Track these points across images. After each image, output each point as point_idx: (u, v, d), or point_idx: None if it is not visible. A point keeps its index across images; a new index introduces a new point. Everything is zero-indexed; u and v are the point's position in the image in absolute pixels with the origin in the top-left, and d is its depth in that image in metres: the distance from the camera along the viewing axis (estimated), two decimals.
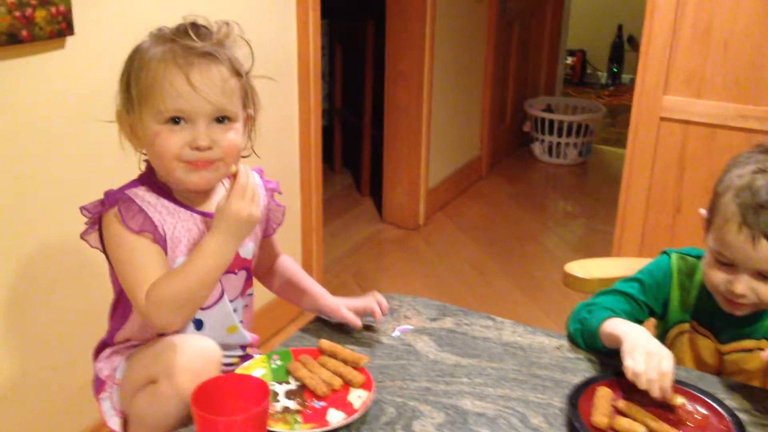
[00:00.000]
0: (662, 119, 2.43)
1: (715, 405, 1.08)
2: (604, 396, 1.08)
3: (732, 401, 1.12)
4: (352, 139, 4.02)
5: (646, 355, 1.09)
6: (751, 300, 1.18)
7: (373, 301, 1.30)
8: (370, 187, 3.86)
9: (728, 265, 1.17)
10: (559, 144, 4.48)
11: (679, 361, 1.26)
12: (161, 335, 1.19)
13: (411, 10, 3.31)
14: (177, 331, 1.18)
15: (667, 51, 2.36)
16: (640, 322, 1.28)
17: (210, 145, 1.12)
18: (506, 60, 4.32)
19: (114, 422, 1.25)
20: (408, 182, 3.54)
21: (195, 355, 1.12)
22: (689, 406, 1.09)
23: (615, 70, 6.10)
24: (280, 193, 1.33)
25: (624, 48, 6.05)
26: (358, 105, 3.84)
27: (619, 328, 1.18)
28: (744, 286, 1.16)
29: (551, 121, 4.42)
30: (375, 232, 3.54)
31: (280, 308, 2.53)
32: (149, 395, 1.14)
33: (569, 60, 6.00)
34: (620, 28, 5.98)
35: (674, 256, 1.33)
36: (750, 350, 1.26)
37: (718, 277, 1.19)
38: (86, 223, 1.17)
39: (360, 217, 3.69)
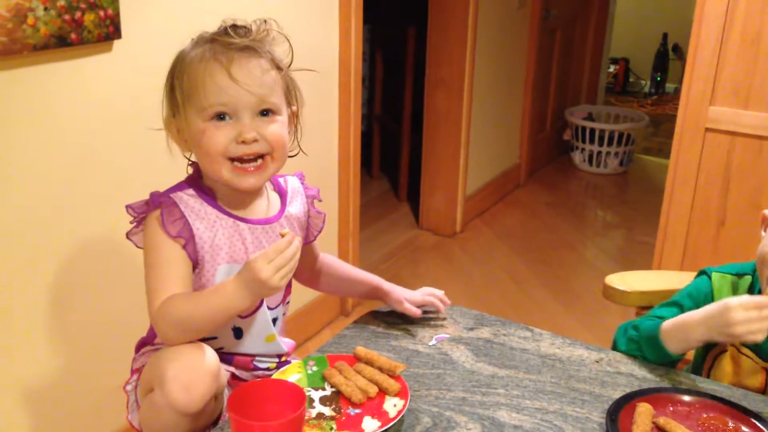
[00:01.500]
0: (708, 130, 2.38)
1: (759, 424, 1.05)
2: (644, 412, 1.06)
3: None
4: (391, 145, 4.02)
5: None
6: None
7: (431, 296, 1.35)
8: (408, 192, 3.86)
9: None
10: (599, 153, 4.42)
11: (720, 380, 1.26)
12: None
13: (453, 16, 3.30)
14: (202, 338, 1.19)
15: (715, 60, 2.31)
16: None
17: (256, 137, 1.12)
18: (548, 67, 4.28)
19: (134, 417, 1.25)
20: (446, 188, 3.53)
21: (185, 367, 1.08)
22: (732, 424, 1.06)
23: (659, 78, 6.01)
24: (320, 200, 1.33)
25: (668, 56, 5.96)
26: (398, 110, 3.84)
27: (682, 318, 1.20)
28: None
29: (592, 130, 4.37)
30: (411, 238, 3.53)
31: (314, 313, 2.54)
32: (149, 402, 1.14)
33: (612, 68, 5.93)
34: (665, 36, 5.89)
35: (715, 276, 1.31)
36: None
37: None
38: (131, 222, 1.19)
39: (397, 222, 3.68)
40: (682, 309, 1.29)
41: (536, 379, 1.18)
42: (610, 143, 4.39)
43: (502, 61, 3.71)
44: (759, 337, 1.08)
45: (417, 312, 1.34)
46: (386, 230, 3.58)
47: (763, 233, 1.25)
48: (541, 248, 3.49)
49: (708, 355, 1.31)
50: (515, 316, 2.62)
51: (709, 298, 1.29)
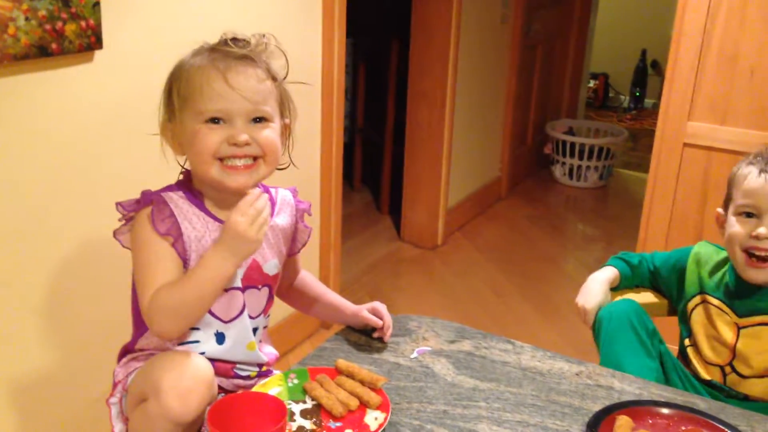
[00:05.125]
0: (686, 145, 2.42)
1: None
2: (623, 425, 1.06)
3: None
4: (373, 157, 4.02)
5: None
6: None
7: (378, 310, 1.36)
8: (390, 205, 3.86)
9: (751, 215, 1.35)
10: (579, 167, 4.46)
11: (696, 334, 1.45)
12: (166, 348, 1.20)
13: (435, 30, 3.32)
14: (182, 342, 1.19)
15: (693, 77, 2.35)
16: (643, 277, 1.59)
17: (248, 140, 1.14)
18: (529, 82, 4.32)
19: (119, 429, 1.25)
20: (427, 201, 3.53)
21: (180, 376, 1.08)
22: None
23: (638, 94, 6.07)
24: (310, 214, 1.34)
25: (647, 72, 6.03)
26: (380, 123, 3.85)
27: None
28: (765, 229, 1.32)
29: (572, 144, 4.41)
30: (393, 250, 3.53)
31: (295, 325, 2.53)
32: (141, 412, 1.13)
33: (592, 83, 5.99)
34: (644, 52, 5.96)
35: (701, 244, 1.54)
36: (766, 324, 1.37)
37: (742, 231, 1.36)
38: (120, 220, 1.19)
39: (378, 235, 3.68)
40: (663, 256, 1.58)
41: (517, 392, 1.18)
42: (590, 157, 4.42)
43: (483, 75, 3.74)
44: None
45: (378, 321, 1.33)
46: (368, 242, 3.58)
47: (721, 231, 1.44)
48: (522, 261, 3.50)
49: (685, 311, 1.47)
50: (496, 329, 2.63)
51: (687, 254, 1.52)
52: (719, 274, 1.47)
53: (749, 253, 1.36)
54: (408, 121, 3.49)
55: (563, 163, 4.50)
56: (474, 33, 3.51)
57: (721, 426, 1.08)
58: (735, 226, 1.38)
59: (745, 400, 1.38)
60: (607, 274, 1.56)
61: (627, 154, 5.07)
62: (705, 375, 1.44)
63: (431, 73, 3.39)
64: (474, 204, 3.92)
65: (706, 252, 1.51)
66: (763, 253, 1.34)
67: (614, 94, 6.24)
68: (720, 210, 1.47)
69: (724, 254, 1.48)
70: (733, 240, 1.39)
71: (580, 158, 4.42)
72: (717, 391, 1.42)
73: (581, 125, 4.77)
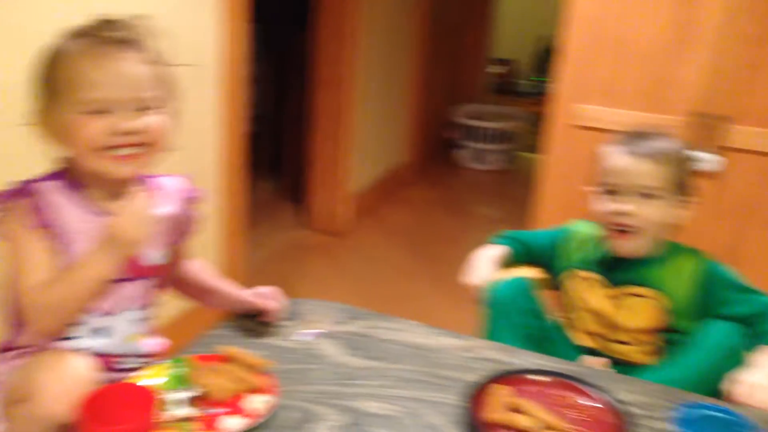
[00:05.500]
0: (577, 127, 2.50)
1: (607, 399, 1.12)
2: (501, 394, 1.10)
3: (625, 395, 1.16)
4: (279, 146, 4.00)
5: None
6: (636, 222, 1.40)
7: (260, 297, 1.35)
8: (297, 193, 3.86)
9: (615, 192, 1.42)
10: (484, 151, 4.55)
11: (574, 306, 1.52)
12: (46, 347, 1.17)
13: (340, 17, 3.32)
14: (62, 338, 1.16)
15: (582, 61, 2.43)
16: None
17: (132, 129, 1.11)
18: (434, 68, 4.37)
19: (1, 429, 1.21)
20: (333, 188, 3.54)
21: (59, 376, 1.05)
22: (578, 399, 1.12)
23: (540, 79, 6.24)
24: (199, 203, 1.31)
25: (549, 58, 6.19)
26: (286, 111, 3.83)
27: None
28: (630, 205, 1.40)
29: (477, 128, 4.50)
30: (299, 238, 3.53)
31: (195, 316, 2.50)
32: (19, 413, 1.09)
33: (496, 69, 6.11)
34: (545, 38, 6.12)
35: (577, 222, 1.61)
36: (639, 296, 1.44)
37: (607, 207, 1.43)
38: None
39: (285, 223, 3.67)
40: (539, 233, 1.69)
41: (402, 368, 1.21)
42: (494, 141, 4.53)
43: (389, 60, 3.76)
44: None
45: (266, 304, 1.32)
46: (274, 231, 3.57)
47: (591, 203, 1.50)
48: (428, 244, 3.56)
49: (558, 281, 1.56)
50: (402, 312, 2.66)
51: (565, 229, 1.60)
52: (594, 249, 1.54)
53: (613, 227, 1.44)
54: (311, 109, 3.49)
55: (468, 147, 4.59)
56: (378, 19, 3.53)
57: (586, 388, 1.14)
58: (600, 202, 1.46)
59: (621, 365, 1.46)
60: (492, 251, 1.61)
61: (530, 137, 5.21)
62: (585, 344, 1.51)
63: (334, 59, 3.39)
64: (381, 189, 3.96)
65: (582, 229, 1.59)
66: (624, 228, 1.42)
67: (518, 79, 6.38)
68: (589, 187, 1.53)
69: (597, 230, 1.55)
70: (598, 216, 1.47)
71: (485, 142, 4.52)
72: (596, 356, 1.49)
73: (485, 110, 4.87)
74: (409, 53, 3.97)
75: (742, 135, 2.28)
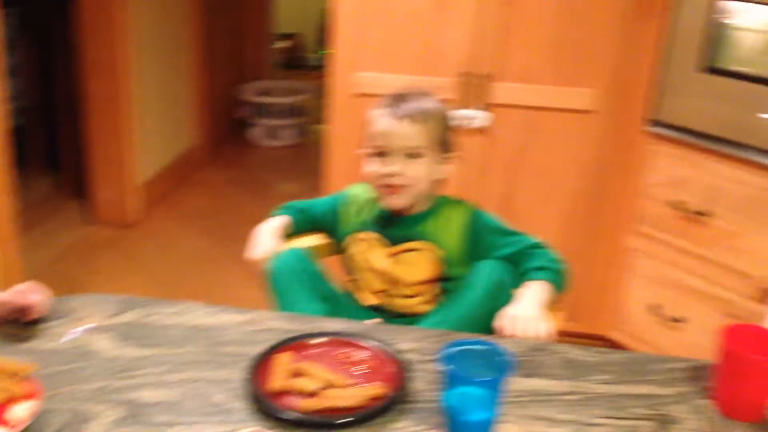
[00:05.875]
0: (356, 95, 2.55)
1: (383, 349, 1.16)
2: (282, 361, 1.11)
3: (403, 344, 1.21)
4: (54, 138, 3.72)
5: None
6: (404, 181, 1.47)
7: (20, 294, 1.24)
8: (80, 187, 3.62)
9: (383, 154, 1.47)
10: (276, 127, 4.53)
11: (356, 267, 1.57)
12: None
13: None
14: None
15: (354, 30, 2.47)
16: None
17: None
18: (216, 45, 4.26)
19: None
20: (117, 178, 3.37)
21: None
22: (362, 356, 1.16)
23: (325, 51, 6.29)
24: None
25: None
26: (57, 100, 3.57)
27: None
28: (396, 166, 1.46)
29: (267, 105, 4.46)
30: (87, 234, 3.32)
31: None
32: None
33: (282, 43, 6.08)
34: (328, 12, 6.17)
35: (353, 186, 1.66)
36: (415, 250, 1.51)
37: (376, 168, 1.48)
38: None
39: (69, 220, 3.44)
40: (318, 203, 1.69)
41: (183, 351, 1.18)
42: (285, 116, 4.52)
43: (164, 40, 3.61)
44: None
45: (20, 301, 1.21)
46: (58, 229, 3.33)
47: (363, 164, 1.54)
48: (227, 226, 3.49)
49: (342, 245, 1.59)
50: (205, 297, 2.61)
51: (343, 195, 1.65)
52: (371, 210, 1.59)
53: (383, 187, 1.50)
54: (84, 96, 3.28)
55: (260, 125, 4.54)
56: None
57: (366, 343, 1.17)
58: (370, 164, 1.51)
59: (404, 317, 1.52)
60: (275, 222, 1.61)
61: (320, 110, 5.25)
62: (369, 302, 1.56)
63: (103, 40, 3.19)
64: (173, 175, 3.82)
65: (358, 192, 1.63)
66: (393, 186, 1.49)
67: (305, 53, 6.40)
68: (361, 150, 1.57)
69: (372, 192, 1.59)
70: (370, 177, 1.52)
71: (276, 118, 4.50)
72: (381, 314, 1.54)
73: (274, 86, 4.84)
74: (186, 32, 3.84)
75: (504, 91, 2.45)
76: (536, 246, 1.52)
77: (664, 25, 2.28)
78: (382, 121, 1.48)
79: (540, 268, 1.46)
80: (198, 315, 1.29)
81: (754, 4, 2.08)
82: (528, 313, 1.35)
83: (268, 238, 1.56)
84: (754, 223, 2.17)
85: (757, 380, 1.06)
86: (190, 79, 3.95)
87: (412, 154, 1.48)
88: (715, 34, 2.17)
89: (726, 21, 2.14)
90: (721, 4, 2.13)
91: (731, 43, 2.16)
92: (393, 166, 1.47)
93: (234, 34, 4.53)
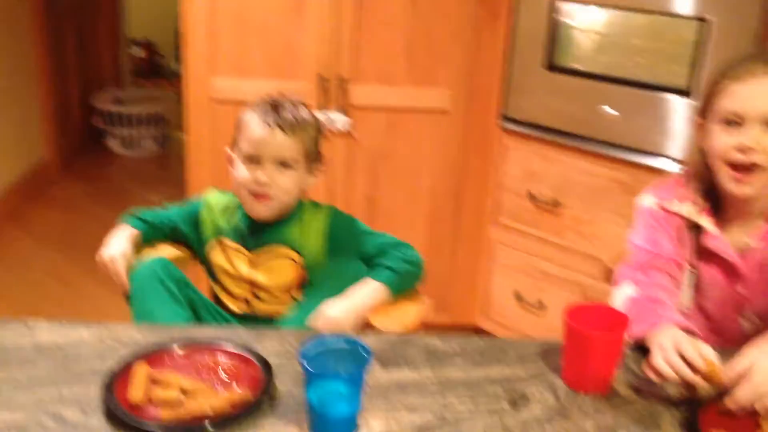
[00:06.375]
0: (214, 100, 2.51)
1: (245, 352, 1.16)
2: (139, 372, 1.08)
3: (263, 346, 1.21)
4: None
5: None
6: (272, 191, 1.46)
7: None
8: None
9: (253, 160, 1.46)
10: (134, 136, 4.38)
11: (219, 274, 1.54)
12: None
13: None
14: None
15: (207, 36, 2.43)
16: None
17: None
18: (63, 54, 4.06)
19: None
20: None
21: None
22: (223, 361, 1.14)
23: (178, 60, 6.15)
24: None
25: None
26: None
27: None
28: (265, 175, 1.45)
29: (122, 114, 4.31)
30: None
31: None
32: None
33: (137, 50, 5.88)
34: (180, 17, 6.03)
35: (210, 191, 1.62)
36: (278, 256, 1.52)
37: (246, 175, 1.46)
38: None
39: None
40: (176, 213, 1.63)
41: (31, 372, 1.12)
42: (143, 125, 4.38)
43: (5, 48, 3.41)
44: None
45: None
46: None
47: (230, 168, 1.52)
48: (86, 241, 3.31)
49: (203, 253, 1.58)
50: (65, 316, 2.49)
51: (199, 205, 1.60)
52: (231, 216, 1.57)
53: (250, 194, 1.48)
54: None
55: (117, 135, 4.38)
56: None
57: (227, 348, 1.16)
58: (239, 169, 1.48)
59: (270, 321, 1.52)
60: (124, 232, 1.55)
61: (181, 118, 5.12)
62: (234, 308, 1.55)
63: None
64: (21, 192, 3.61)
65: (215, 198, 1.60)
66: (260, 195, 1.47)
67: (162, 60, 6.22)
68: (231, 153, 1.54)
69: (232, 198, 1.58)
70: (238, 182, 1.49)
71: (133, 127, 4.35)
72: (246, 319, 1.53)
73: (129, 94, 4.69)
74: (27, 41, 3.64)
75: (362, 93, 2.49)
76: (392, 245, 1.53)
77: (510, 25, 2.40)
78: (256, 127, 1.46)
79: (384, 268, 1.48)
80: (48, 333, 1.23)
81: (589, 5, 2.23)
82: (336, 313, 1.38)
83: (118, 240, 1.51)
84: (601, 210, 2.32)
85: (599, 354, 1.14)
86: (34, 91, 3.74)
87: (284, 164, 1.47)
88: (556, 34, 2.30)
89: (565, 21, 2.28)
90: (560, 4, 2.27)
91: (571, 42, 2.30)
92: (262, 175, 1.46)
93: (84, 40, 4.34)
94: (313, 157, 1.53)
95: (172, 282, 1.47)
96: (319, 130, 1.55)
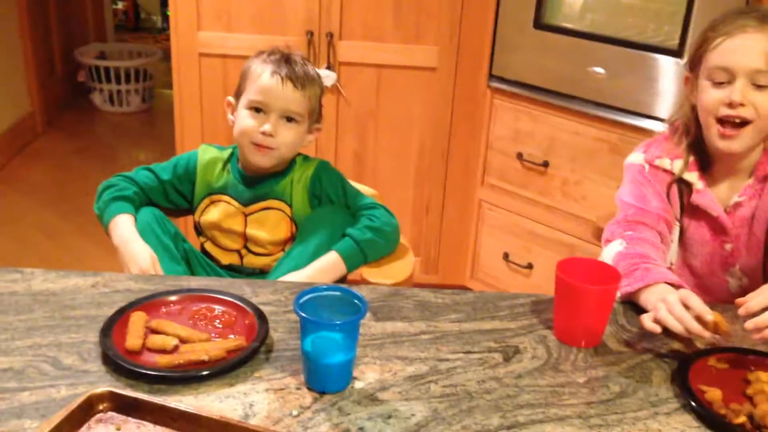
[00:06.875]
0: (201, 55, 2.49)
1: (240, 302, 1.16)
2: (136, 320, 1.09)
3: (259, 297, 1.22)
4: None
5: None
6: (273, 144, 1.45)
7: None
8: None
9: (259, 110, 1.45)
10: (120, 92, 4.33)
11: (211, 228, 1.54)
12: None
13: None
14: None
15: None
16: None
17: None
18: (44, 6, 3.99)
19: None
20: None
21: None
22: (218, 310, 1.15)
23: (168, 13, 6.07)
24: None
25: None
26: None
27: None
28: (271, 125, 1.44)
29: (107, 69, 4.25)
30: None
31: None
32: None
33: (120, 5, 5.79)
34: None
35: (202, 147, 1.59)
36: (270, 209, 1.52)
37: (251, 123, 1.45)
38: None
39: None
40: (173, 167, 1.56)
41: (27, 317, 1.12)
42: (128, 81, 4.32)
43: None
44: None
45: None
46: None
47: (230, 116, 1.52)
48: (75, 197, 3.33)
49: (198, 208, 1.56)
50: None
51: (195, 160, 1.56)
52: (224, 172, 1.56)
53: (254, 143, 1.47)
54: None
55: (101, 90, 4.33)
56: None
57: (222, 298, 1.17)
58: (243, 117, 1.47)
59: (261, 275, 1.53)
60: (131, 229, 1.45)
61: (167, 74, 5.06)
62: (224, 261, 1.55)
63: None
64: (6, 145, 3.58)
65: (210, 154, 1.58)
66: (263, 145, 1.46)
67: (146, 15, 6.13)
68: (231, 99, 1.53)
69: (226, 153, 1.57)
70: (242, 131, 1.48)
71: (118, 83, 4.30)
72: (236, 272, 1.54)
73: (114, 49, 4.62)
74: None
75: (350, 49, 2.47)
76: (364, 209, 1.53)
77: None
78: (267, 78, 1.45)
79: (348, 237, 1.46)
80: (45, 280, 1.23)
81: None
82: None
83: (137, 246, 1.42)
84: (589, 170, 2.34)
85: (591, 308, 1.16)
86: (17, 45, 3.68)
87: (290, 118, 1.47)
88: None
89: None
90: None
91: (560, 0, 2.29)
92: (268, 125, 1.45)
93: None
94: (316, 115, 1.53)
95: (167, 236, 1.47)
96: (322, 88, 1.55)
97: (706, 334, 1.10)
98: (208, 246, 1.57)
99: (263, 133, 1.45)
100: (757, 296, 1.09)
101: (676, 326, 1.11)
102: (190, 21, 2.43)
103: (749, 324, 1.08)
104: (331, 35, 2.43)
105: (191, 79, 2.51)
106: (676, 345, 1.17)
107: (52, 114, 4.08)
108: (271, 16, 2.43)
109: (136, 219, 1.47)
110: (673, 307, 1.12)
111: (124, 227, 1.44)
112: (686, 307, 1.11)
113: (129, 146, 4.09)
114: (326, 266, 1.42)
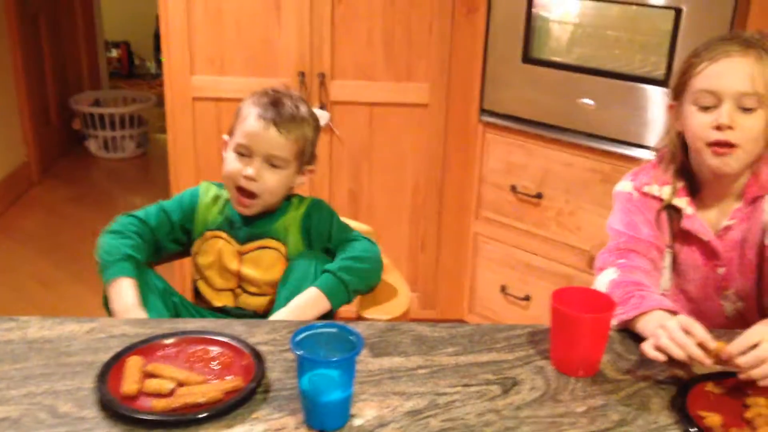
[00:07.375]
0: (195, 99, 2.52)
1: (237, 343, 1.16)
2: (132, 365, 1.08)
3: (255, 337, 1.22)
4: None
5: None
6: (256, 189, 1.46)
7: None
8: None
9: (244, 154, 1.46)
10: (114, 138, 4.36)
11: (206, 267, 1.53)
12: None
13: None
14: None
15: (186, 34, 2.44)
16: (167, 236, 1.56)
17: None
18: (39, 56, 4.03)
19: None
20: None
21: None
22: (213, 349, 1.15)
23: (162, 59, 6.13)
24: None
25: None
26: None
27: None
28: (254, 169, 1.45)
29: (101, 116, 4.29)
30: None
31: None
32: None
33: (114, 52, 5.86)
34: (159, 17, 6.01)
35: (204, 184, 1.60)
36: (265, 248, 1.51)
37: (235, 166, 1.46)
38: None
39: None
40: (167, 209, 1.56)
41: (23, 366, 1.12)
42: (123, 127, 4.36)
43: None
44: None
45: None
46: None
47: (224, 154, 1.51)
48: (70, 245, 3.32)
49: (195, 245, 1.56)
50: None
51: (196, 197, 1.57)
52: (222, 210, 1.56)
53: (237, 188, 1.48)
54: None
55: (96, 137, 4.36)
56: None
57: (218, 339, 1.17)
58: (229, 160, 1.48)
59: (255, 316, 1.52)
60: (127, 295, 1.41)
61: (162, 119, 5.10)
62: (217, 303, 1.55)
63: None
64: (2, 196, 3.59)
65: (210, 191, 1.58)
66: (246, 191, 1.47)
67: (140, 61, 6.19)
68: (226, 137, 1.54)
69: (222, 189, 1.57)
70: (227, 174, 1.49)
71: (113, 129, 4.33)
72: (229, 315, 1.53)
73: (108, 96, 4.67)
74: (2, 45, 3.60)
75: (342, 88, 2.50)
76: (346, 242, 1.52)
77: (487, 18, 2.42)
78: (253, 121, 1.45)
79: (328, 273, 1.45)
80: (41, 328, 1.23)
81: None
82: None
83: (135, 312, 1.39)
84: (583, 200, 2.35)
85: (585, 336, 1.16)
86: (11, 93, 3.71)
87: (274, 164, 1.47)
88: (533, 26, 2.33)
89: (541, 13, 2.31)
90: None
91: (547, 34, 2.33)
92: (251, 169, 1.45)
93: (58, 42, 4.31)
94: (306, 157, 1.52)
95: (156, 295, 1.46)
96: (316, 128, 1.54)
97: (708, 360, 1.10)
98: (201, 285, 1.56)
99: (246, 177, 1.45)
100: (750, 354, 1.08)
101: (678, 353, 1.10)
102: (184, 65, 2.46)
103: (742, 377, 1.08)
104: (322, 75, 2.46)
105: (185, 123, 2.53)
106: (674, 371, 1.17)
107: (47, 162, 4.10)
108: (263, 59, 2.47)
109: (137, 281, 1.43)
110: (673, 333, 1.11)
111: (126, 294, 1.40)
112: (687, 333, 1.11)
113: (124, 192, 4.11)
114: (306, 302, 1.41)
